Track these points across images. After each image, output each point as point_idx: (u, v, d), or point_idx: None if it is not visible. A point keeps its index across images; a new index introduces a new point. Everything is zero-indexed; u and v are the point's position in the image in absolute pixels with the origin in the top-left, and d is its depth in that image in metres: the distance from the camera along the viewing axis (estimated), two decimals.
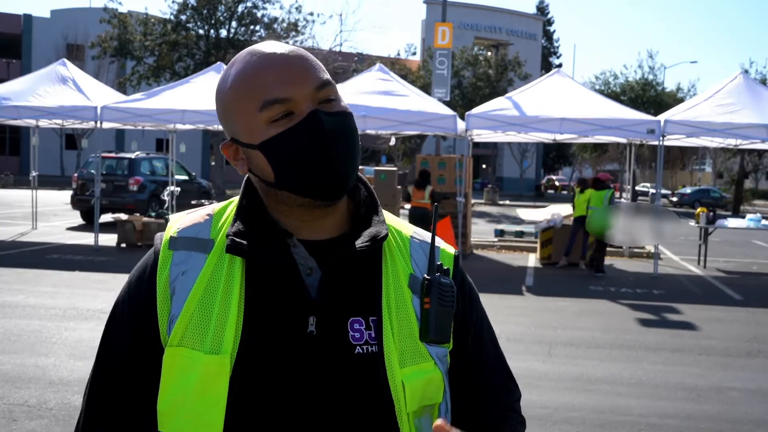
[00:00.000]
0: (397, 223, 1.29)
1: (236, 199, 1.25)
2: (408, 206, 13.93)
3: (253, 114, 1.13)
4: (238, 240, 1.15)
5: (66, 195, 24.36)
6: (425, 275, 1.13)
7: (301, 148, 1.12)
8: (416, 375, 1.15)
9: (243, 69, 1.16)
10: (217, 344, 1.11)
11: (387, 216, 1.27)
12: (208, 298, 1.14)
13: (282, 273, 1.15)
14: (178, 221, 1.23)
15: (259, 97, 1.13)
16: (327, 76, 1.17)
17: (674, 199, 44.66)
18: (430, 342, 1.12)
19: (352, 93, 13.12)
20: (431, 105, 14.00)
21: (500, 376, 1.30)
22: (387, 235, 1.20)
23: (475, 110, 13.39)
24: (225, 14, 32.50)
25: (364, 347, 1.14)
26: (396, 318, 1.17)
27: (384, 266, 1.20)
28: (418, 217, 13.01)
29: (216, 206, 1.27)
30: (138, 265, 1.23)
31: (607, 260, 14.53)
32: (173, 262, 1.17)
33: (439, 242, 1.28)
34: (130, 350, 1.19)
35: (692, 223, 15.60)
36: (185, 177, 19.45)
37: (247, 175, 1.25)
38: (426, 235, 1.29)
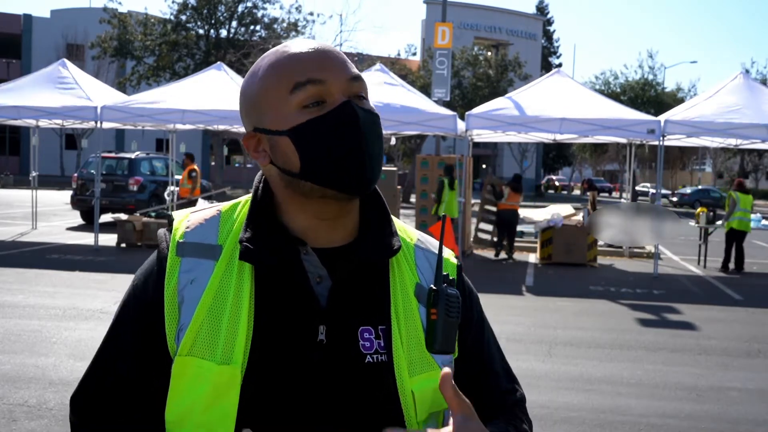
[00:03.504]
0: (402, 229, 1.27)
1: (244, 200, 1.22)
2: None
3: (284, 98, 1.11)
4: (250, 247, 1.13)
5: (66, 195, 24.37)
6: (432, 286, 1.12)
7: (334, 136, 1.09)
8: (425, 383, 1.15)
9: (276, 58, 1.15)
10: (228, 354, 1.09)
11: (394, 222, 1.25)
12: (218, 307, 1.12)
13: (292, 281, 1.14)
14: (184, 222, 1.20)
15: (292, 78, 1.11)
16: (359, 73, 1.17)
17: (674, 199, 44.67)
18: (436, 352, 1.12)
19: None
20: (431, 106, 14.01)
21: (504, 378, 1.30)
22: (400, 247, 1.19)
23: (475, 110, 13.39)
24: (225, 14, 32.52)
25: (374, 356, 1.13)
26: (404, 327, 1.16)
27: (392, 275, 1.19)
28: (509, 219, 13.95)
29: (222, 206, 1.23)
30: (144, 267, 1.20)
31: (607, 260, 14.55)
32: (181, 269, 1.14)
33: (444, 251, 1.27)
34: (134, 354, 1.17)
35: (692, 223, 15.60)
36: None
37: (257, 177, 1.22)
38: (430, 243, 1.28)
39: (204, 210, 1.23)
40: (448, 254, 1.29)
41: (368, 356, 1.13)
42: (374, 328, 1.15)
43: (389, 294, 1.17)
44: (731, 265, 13.75)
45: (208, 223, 1.19)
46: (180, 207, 15.31)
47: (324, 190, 1.12)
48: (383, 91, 13.68)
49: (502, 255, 14.39)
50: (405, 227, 1.29)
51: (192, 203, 15.31)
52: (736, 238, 13.71)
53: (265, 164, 1.17)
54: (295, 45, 1.15)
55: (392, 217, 1.25)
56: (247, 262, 1.13)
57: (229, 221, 1.19)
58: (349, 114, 1.10)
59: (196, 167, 15.91)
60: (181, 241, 1.17)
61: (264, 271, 1.14)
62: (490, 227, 15.76)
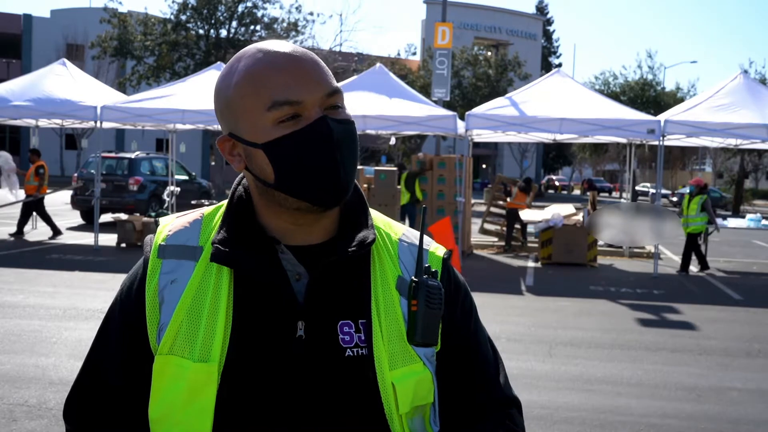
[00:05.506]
0: (386, 224, 1.28)
1: (226, 203, 1.23)
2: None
3: (259, 113, 1.11)
4: (222, 249, 1.15)
5: (66, 195, 24.34)
6: (413, 277, 1.13)
7: (308, 152, 1.11)
8: (406, 376, 1.15)
9: (252, 66, 1.13)
10: (206, 352, 1.11)
11: (376, 217, 1.26)
12: (197, 306, 1.14)
13: (270, 279, 1.15)
14: (167, 226, 1.22)
15: (269, 96, 1.11)
16: (336, 84, 1.16)
17: (674, 199, 44.61)
18: (417, 344, 1.12)
19: (352, 93, 13.13)
20: (431, 106, 14.01)
21: (494, 373, 1.28)
22: (374, 239, 1.20)
23: (475, 110, 13.39)
24: (225, 14, 32.49)
25: (354, 350, 1.14)
26: (385, 320, 1.17)
27: (372, 269, 1.20)
28: (513, 217, 15.34)
29: (206, 210, 1.26)
30: (130, 272, 1.23)
31: (607, 260, 14.55)
32: (162, 270, 1.17)
33: (429, 244, 1.27)
34: (121, 358, 1.19)
35: None
36: (185, 177, 19.45)
37: (236, 179, 1.24)
38: (415, 237, 1.28)
39: (188, 214, 1.26)
40: (435, 248, 1.29)
41: (348, 350, 1.14)
42: (354, 322, 1.16)
43: (370, 288, 1.18)
44: (693, 267, 13.55)
45: (191, 226, 1.22)
46: (26, 205, 15.13)
47: (298, 201, 1.14)
48: (383, 91, 13.68)
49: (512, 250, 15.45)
50: (390, 222, 1.30)
51: (39, 201, 15.17)
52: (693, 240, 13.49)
53: (240, 169, 1.19)
54: (273, 54, 1.13)
55: (374, 212, 1.27)
56: (219, 264, 1.15)
57: (210, 224, 1.22)
58: (324, 130, 1.11)
59: (44, 164, 15.35)
60: (162, 243, 1.19)
61: (242, 270, 1.15)
62: (496, 220, 16.99)
